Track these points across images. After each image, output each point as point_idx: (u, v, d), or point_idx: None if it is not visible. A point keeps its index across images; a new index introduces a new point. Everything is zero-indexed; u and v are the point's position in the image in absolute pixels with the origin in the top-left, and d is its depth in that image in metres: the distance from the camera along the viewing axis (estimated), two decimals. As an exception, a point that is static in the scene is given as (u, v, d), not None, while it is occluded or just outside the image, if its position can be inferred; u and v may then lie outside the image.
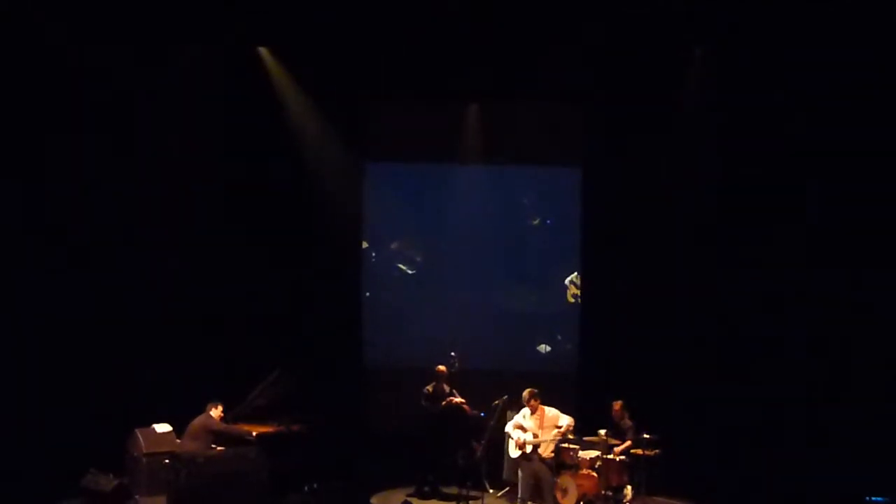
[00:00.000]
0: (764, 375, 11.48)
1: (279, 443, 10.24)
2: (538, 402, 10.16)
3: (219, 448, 9.91)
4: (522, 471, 10.27)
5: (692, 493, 10.93)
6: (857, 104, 10.89)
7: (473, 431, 10.72)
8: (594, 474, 10.28)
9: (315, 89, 12.40)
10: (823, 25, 10.86)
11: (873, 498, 9.86)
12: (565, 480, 10.18)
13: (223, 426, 10.02)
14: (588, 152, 12.80)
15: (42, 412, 10.67)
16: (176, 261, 11.71)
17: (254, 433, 10.14)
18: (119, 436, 10.34)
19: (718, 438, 11.47)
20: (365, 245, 13.11)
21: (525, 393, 10.15)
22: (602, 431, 10.45)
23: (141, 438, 10.20)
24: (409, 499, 10.70)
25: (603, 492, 10.28)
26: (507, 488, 11.08)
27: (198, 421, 9.92)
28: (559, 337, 13.04)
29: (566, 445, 10.36)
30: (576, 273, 12.96)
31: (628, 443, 10.46)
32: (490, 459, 10.94)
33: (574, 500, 10.11)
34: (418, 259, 13.18)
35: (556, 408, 10.31)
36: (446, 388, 11.06)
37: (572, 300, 12.99)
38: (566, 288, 12.99)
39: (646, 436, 10.19)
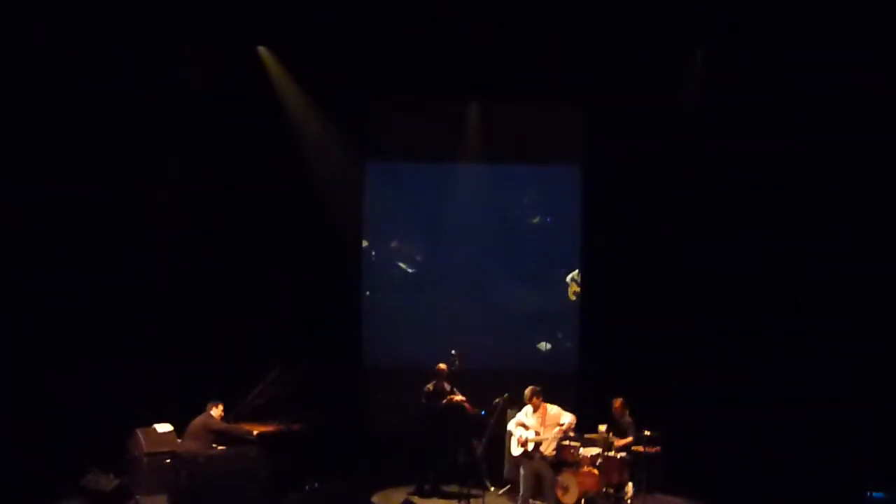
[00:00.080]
0: (764, 375, 11.49)
1: (279, 442, 10.24)
2: (540, 399, 10.09)
3: (219, 447, 9.90)
4: (524, 469, 10.23)
5: (693, 491, 10.93)
6: (856, 104, 10.92)
7: (474, 429, 10.75)
8: (595, 472, 10.27)
9: (315, 89, 12.40)
10: (823, 26, 10.89)
11: (874, 493, 9.86)
12: (566, 478, 10.18)
13: (224, 426, 10.02)
14: (588, 152, 12.83)
15: (42, 412, 10.65)
16: (176, 261, 11.69)
17: (254, 433, 10.15)
18: (119, 436, 10.34)
19: (718, 437, 11.47)
20: (365, 244, 13.11)
21: (527, 391, 10.11)
22: (602, 427, 10.46)
23: (142, 438, 10.22)
24: (410, 497, 10.70)
25: (604, 489, 10.29)
26: (507, 486, 11.09)
27: (198, 420, 9.91)
28: (559, 335, 13.05)
29: (567, 443, 10.36)
30: (577, 270, 12.98)
31: (629, 439, 10.48)
32: (490, 457, 10.96)
33: (575, 497, 10.12)
34: (418, 258, 13.18)
35: (557, 405, 10.33)
36: (447, 387, 11.06)
37: (574, 298, 13.00)
38: (567, 286, 13.01)
39: (646, 433, 10.21)
